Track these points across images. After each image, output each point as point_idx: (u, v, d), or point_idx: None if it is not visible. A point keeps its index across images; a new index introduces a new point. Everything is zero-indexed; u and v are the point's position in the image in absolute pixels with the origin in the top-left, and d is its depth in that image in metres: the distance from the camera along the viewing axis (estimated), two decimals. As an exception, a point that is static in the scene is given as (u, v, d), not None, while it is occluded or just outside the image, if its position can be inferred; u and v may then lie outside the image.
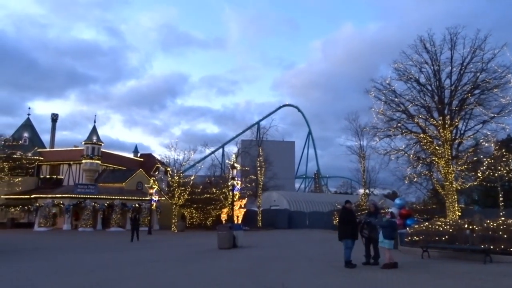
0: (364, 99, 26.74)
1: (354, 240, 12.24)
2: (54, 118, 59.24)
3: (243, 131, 77.96)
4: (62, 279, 10.64)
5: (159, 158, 48.42)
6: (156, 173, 47.42)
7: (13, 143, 44.75)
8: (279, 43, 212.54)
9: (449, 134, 23.18)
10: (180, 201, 41.43)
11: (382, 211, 18.03)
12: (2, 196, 43.76)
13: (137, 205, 43.44)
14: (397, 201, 26.62)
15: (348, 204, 12.92)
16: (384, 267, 11.88)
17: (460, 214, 22.94)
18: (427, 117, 24.11)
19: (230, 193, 34.64)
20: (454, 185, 23.06)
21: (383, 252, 12.41)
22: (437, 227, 16.44)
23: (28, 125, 52.59)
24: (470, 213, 26.25)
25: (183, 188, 41.39)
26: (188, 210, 45.03)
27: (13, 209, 44.23)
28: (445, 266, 12.88)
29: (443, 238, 15.53)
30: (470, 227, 14.97)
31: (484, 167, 22.84)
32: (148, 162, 54.60)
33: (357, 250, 12.76)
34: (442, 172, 23.42)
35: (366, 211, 23.25)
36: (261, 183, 48.17)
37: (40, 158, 48.61)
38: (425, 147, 24.39)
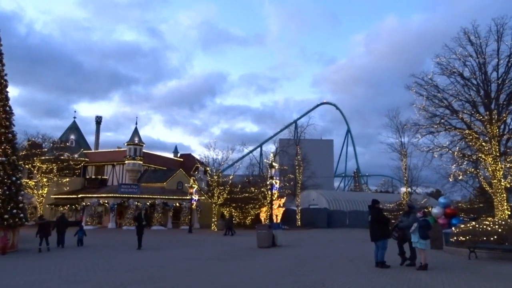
0: (408, 94, 25.89)
1: (387, 239, 12.07)
2: (98, 120, 61.96)
3: (281, 130, 78.13)
4: (108, 276, 11.03)
5: (198, 158, 49.24)
6: (196, 172, 48.24)
7: (61, 145, 47.02)
8: (319, 38, 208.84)
9: (497, 130, 22.17)
10: (219, 200, 41.98)
11: (425, 210, 17.47)
12: (51, 196, 46.04)
13: (177, 204, 44.39)
14: (441, 200, 25.84)
15: (377, 204, 12.75)
16: (419, 269, 11.50)
17: (509, 213, 21.91)
18: (472, 112, 23.16)
19: (269, 192, 34.67)
20: (502, 183, 22.05)
21: (419, 252, 12.04)
22: (485, 226, 15.80)
23: (74, 127, 55.33)
24: (521, 212, 25.01)
25: (222, 188, 41.91)
26: (228, 209, 45.52)
27: (61, 208, 46.30)
28: (494, 267, 12.37)
29: (492, 239, 14.91)
30: (521, 227, 14.30)
31: (536, 164, 21.71)
32: (187, 162, 55.63)
33: (391, 251, 12.47)
34: (490, 169, 22.45)
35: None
36: (300, 182, 47.91)
37: (86, 159, 50.72)
38: (470, 143, 23.44)
